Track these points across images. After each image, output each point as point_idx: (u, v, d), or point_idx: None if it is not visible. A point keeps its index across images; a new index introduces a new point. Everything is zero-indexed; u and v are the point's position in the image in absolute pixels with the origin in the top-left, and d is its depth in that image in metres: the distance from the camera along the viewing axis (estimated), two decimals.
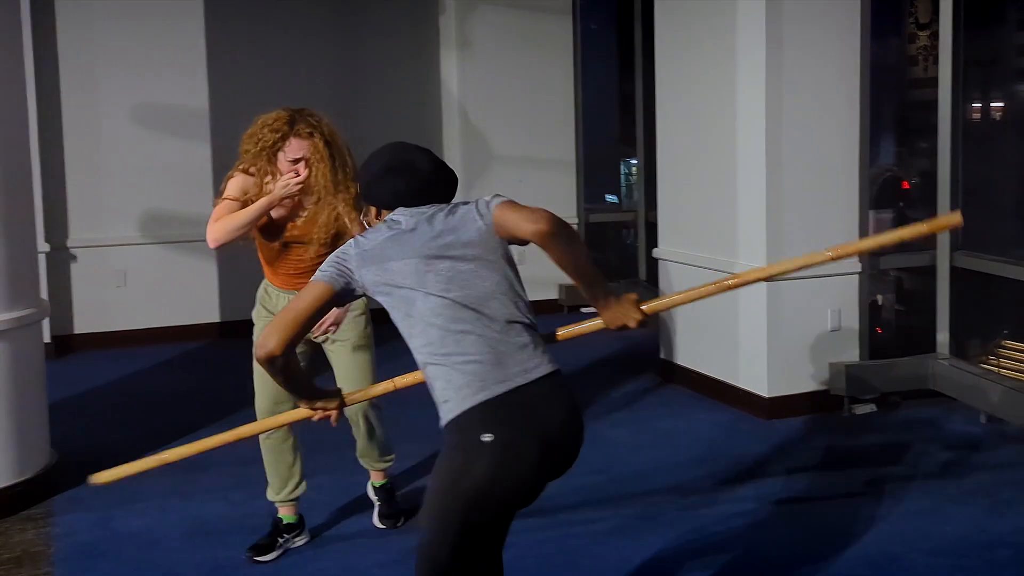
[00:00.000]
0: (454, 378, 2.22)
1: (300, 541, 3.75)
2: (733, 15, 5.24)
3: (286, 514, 3.71)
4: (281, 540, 3.67)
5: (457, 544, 2.22)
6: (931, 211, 5.52)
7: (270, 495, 3.74)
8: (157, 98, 7.39)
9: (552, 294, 8.22)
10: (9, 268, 4.11)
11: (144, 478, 3.19)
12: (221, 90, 7.54)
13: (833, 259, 2.58)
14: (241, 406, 4.25)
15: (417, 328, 2.26)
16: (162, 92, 7.39)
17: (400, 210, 2.38)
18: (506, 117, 8.29)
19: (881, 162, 6.34)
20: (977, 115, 5.79)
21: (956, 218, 2.81)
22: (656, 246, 6.24)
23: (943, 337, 5.38)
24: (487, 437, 2.18)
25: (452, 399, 2.23)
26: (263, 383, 3.54)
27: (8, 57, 4.17)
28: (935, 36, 5.55)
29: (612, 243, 8.99)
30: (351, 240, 2.39)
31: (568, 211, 8.53)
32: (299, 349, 2.57)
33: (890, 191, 6.31)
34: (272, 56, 7.72)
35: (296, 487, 3.72)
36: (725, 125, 5.37)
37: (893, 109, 6.30)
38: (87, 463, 3.20)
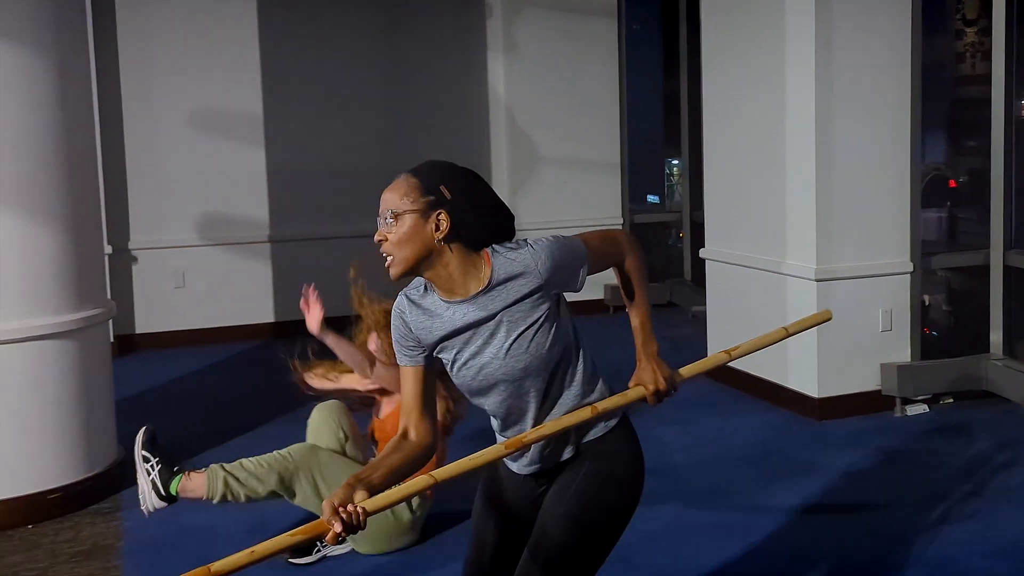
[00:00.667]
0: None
1: (341, 549, 3.72)
2: (782, 15, 5.26)
3: None
4: (320, 545, 3.66)
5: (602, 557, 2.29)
6: (981, 209, 5.53)
7: None
8: (212, 104, 7.57)
9: (599, 294, 8.28)
10: (78, 270, 4.25)
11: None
12: (274, 95, 7.71)
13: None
14: (296, 406, 4.38)
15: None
16: (217, 98, 7.59)
17: None
18: (552, 118, 8.39)
19: (928, 160, 6.27)
20: None
21: (825, 315, 2.75)
22: (702, 246, 6.27)
23: (996, 337, 5.37)
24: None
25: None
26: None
27: (77, 67, 4.31)
28: (983, 32, 5.55)
29: (656, 243, 9.01)
30: None
31: (613, 212, 8.61)
32: None
33: (937, 190, 6.29)
34: (324, 61, 7.87)
35: None
36: (774, 125, 5.39)
37: (941, 107, 6.24)
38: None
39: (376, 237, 2.16)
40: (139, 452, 3.46)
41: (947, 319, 5.95)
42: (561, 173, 8.44)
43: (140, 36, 7.36)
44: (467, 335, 2.18)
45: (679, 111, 8.47)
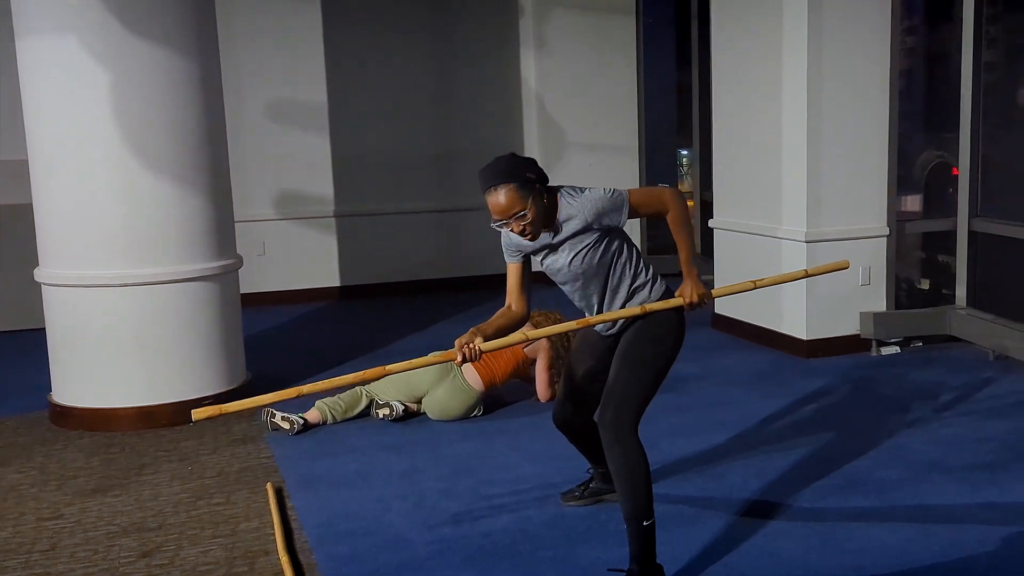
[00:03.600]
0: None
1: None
2: (779, 12, 6.17)
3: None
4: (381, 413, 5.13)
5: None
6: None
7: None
8: (284, 96, 8.64)
9: None
10: (220, 229, 5.37)
11: None
12: (337, 88, 8.77)
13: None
14: (365, 351, 5.62)
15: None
16: (288, 91, 8.65)
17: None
18: (578, 108, 9.33)
19: (931, 148, 6.90)
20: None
21: (843, 264, 3.71)
22: (711, 218, 7.28)
23: (961, 291, 6.41)
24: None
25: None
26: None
27: (212, 66, 5.38)
28: (989, 21, 6.20)
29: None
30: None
31: None
32: None
33: (940, 177, 6.87)
34: (380, 58, 8.91)
35: None
36: (772, 110, 6.36)
37: (949, 95, 6.48)
38: (270, 386, 4.44)
39: (514, 230, 3.17)
40: (279, 415, 5.03)
41: (922, 275, 6.95)
42: (586, 157, 9.37)
43: (223, 37, 8.39)
44: (545, 251, 3.32)
45: (691, 101, 9.41)
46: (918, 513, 3.83)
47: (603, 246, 3.26)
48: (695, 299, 3.39)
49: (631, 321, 3.38)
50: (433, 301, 8.65)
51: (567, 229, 3.22)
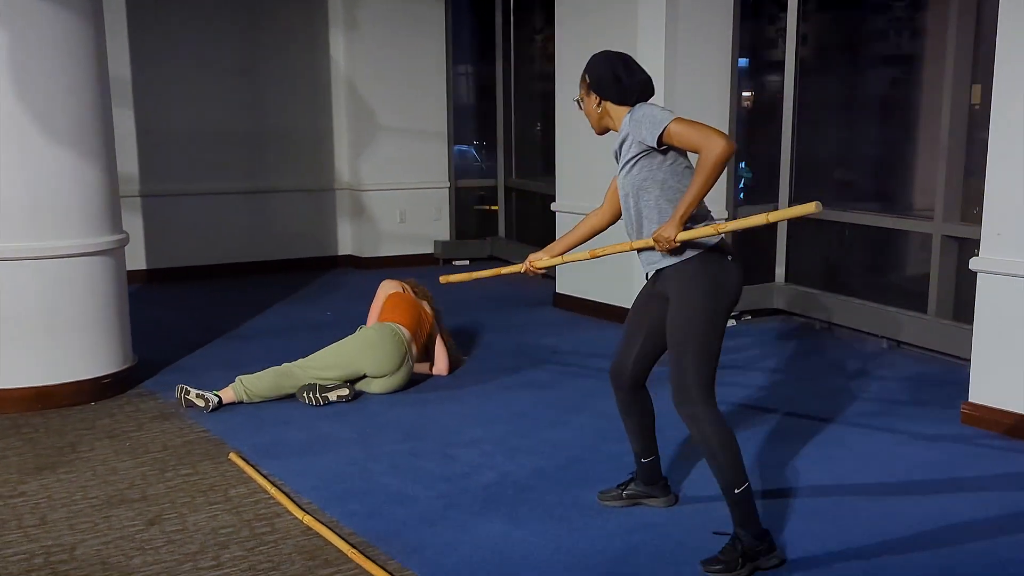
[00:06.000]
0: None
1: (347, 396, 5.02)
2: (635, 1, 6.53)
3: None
4: (326, 397, 4.99)
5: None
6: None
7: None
8: None
9: (428, 248, 9.54)
10: (113, 202, 5.02)
11: None
12: (140, 61, 8.39)
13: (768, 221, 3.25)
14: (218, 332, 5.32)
15: None
16: None
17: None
18: (388, 91, 9.38)
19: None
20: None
21: (812, 207, 3.08)
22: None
23: (780, 269, 7.18)
24: (729, 258, 3.28)
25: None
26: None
27: (100, 23, 5.04)
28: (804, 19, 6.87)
29: (474, 204, 10.31)
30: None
31: (440, 176, 9.77)
32: None
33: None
34: (186, 32, 8.59)
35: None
36: None
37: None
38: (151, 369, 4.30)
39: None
40: (194, 393, 4.85)
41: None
42: (396, 141, 9.46)
43: None
44: (617, 159, 3.37)
45: (495, 89, 9.74)
46: None
47: (643, 165, 3.24)
48: (659, 239, 3.17)
49: (669, 279, 3.28)
50: (244, 284, 8.45)
51: (621, 135, 3.32)
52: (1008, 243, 4.43)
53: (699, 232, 3.19)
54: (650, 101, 3.37)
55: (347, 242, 9.61)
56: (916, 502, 3.73)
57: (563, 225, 7.52)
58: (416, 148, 9.60)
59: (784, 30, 6.87)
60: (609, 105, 3.35)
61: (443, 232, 9.82)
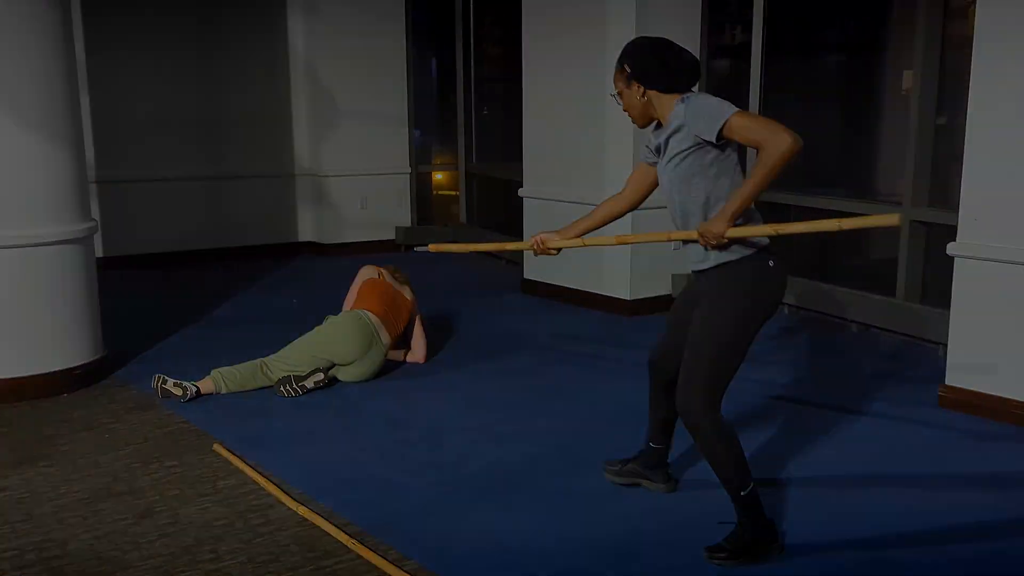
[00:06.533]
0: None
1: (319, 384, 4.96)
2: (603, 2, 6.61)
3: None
4: (302, 387, 4.90)
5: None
6: None
7: None
8: None
9: (391, 235, 9.47)
10: (82, 189, 4.87)
11: None
12: (95, 45, 8.22)
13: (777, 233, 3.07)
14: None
15: None
16: None
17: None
18: (348, 76, 9.26)
19: None
20: None
21: (893, 219, 2.88)
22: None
23: None
24: (772, 262, 3.13)
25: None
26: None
27: (68, 4, 4.90)
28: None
29: (434, 189, 10.25)
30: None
31: (401, 162, 9.70)
32: None
33: None
34: (141, 15, 8.41)
35: None
36: (594, 85, 6.68)
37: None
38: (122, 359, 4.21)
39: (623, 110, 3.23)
40: (171, 382, 4.73)
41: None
42: (356, 126, 9.34)
43: None
44: (660, 151, 3.20)
45: (455, 71, 9.67)
46: None
47: (694, 160, 3.07)
48: (707, 233, 3.01)
49: (709, 279, 3.15)
50: (203, 272, 8.31)
51: (671, 125, 3.12)
52: (984, 228, 4.50)
53: (752, 230, 3.03)
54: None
55: (308, 229, 9.50)
56: (905, 486, 3.78)
57: (530, 210, 7.51)
58: (376, 134, 9.50)
59: (751, 20, 6.90)
60: (655, 94, 3.16)
61: (405, 218, 9.75)
